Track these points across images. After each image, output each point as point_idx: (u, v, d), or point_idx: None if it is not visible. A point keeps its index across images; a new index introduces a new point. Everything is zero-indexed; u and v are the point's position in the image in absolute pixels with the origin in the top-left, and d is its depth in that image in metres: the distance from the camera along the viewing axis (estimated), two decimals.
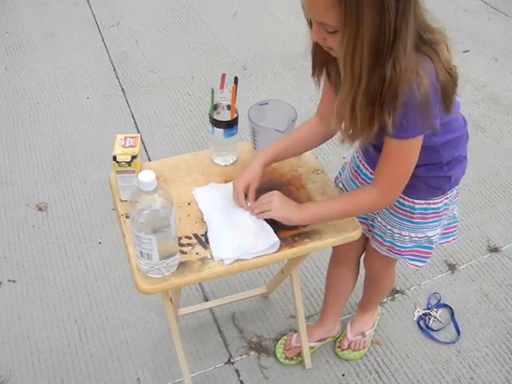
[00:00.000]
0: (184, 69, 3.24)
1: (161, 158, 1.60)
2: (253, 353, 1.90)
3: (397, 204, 1.37)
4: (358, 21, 0.96)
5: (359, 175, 1.46)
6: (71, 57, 3.31)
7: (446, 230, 1.49)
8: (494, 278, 2.16)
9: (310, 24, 1.10)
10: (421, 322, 1.99)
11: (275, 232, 1.27)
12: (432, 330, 1.98)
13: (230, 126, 1.43)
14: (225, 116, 1.42)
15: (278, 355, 1.87)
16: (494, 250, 2.26)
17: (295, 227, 1.30)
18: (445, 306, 2.05)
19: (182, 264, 1.22)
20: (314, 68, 1.25)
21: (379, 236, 1.48)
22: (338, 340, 1.91)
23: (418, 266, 1.51)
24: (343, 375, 1.84)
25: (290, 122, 1.48)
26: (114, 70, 3.22)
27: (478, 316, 2.03)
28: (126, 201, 1.34)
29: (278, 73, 3.22)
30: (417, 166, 1.21)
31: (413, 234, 1.42)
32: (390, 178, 1.22)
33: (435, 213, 1.38)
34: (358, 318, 1.90)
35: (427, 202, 1.35)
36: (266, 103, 1.52)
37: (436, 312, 2.03)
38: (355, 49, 1.00)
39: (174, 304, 1.53)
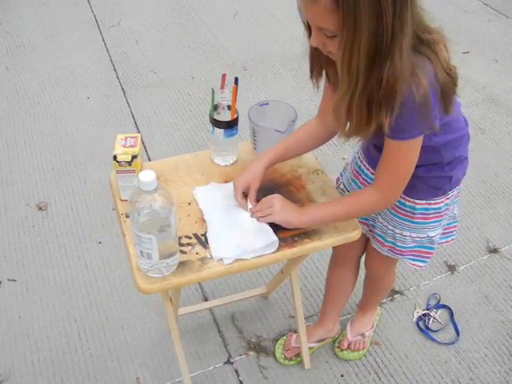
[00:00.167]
0: (184, 69, 3.24)
1: (161, 158, 1.60)
2: (252, 353, 1.90)
3: (398, 204, 1.37)
4: (355, 25, 0.97)
5: (360, 175, 1.46)
6: (72, 57, 3.31)
7: (445, 229, 1.49)
8: (494, 278, 2.16)
9: (308, 27, 1.10)
10: (420, 323, 2.00)
11: (275, 232, 1.27)
12: (431, 330, 1.98)
13: (230, 126, 1.43)
14: (225, 116, 1.42)
15: (278, 355, 1.87)
16: (494, 250, 2.26)
17: (295, 228, 1.30)
18: (444, 306, 2.06)
19: (181, 264, 1.22)
20: (312, 71, 1.25)
21: (380, 236, 1.48)
22: (338, 340, 1.91)
23: (419, 266, 1.51)
24: (342, 376, 1.85)
25: (290, 122, 1.48)
26: (115, 70, 3.22)
27: (477, 317, 2.03)
28: (126, 200, 1.34)
29: (278, 73, 3.22)
30: (418, 167, 1.21)
31: (414, 234, 1.42)
32: (390, 179, 1.22)
33: (436, 213, 1.38)
34: (358, 319, 1.90)
35: (428, 202, 1.36)
36: (266, 103, 1.52)
37: (435, 313, 2.03)
38: (353, 52, 1.01)
39: (173, 304, 1.53)
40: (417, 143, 1.14)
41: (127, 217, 1.30)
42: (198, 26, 3.62)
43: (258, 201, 1.34)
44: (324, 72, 1.24)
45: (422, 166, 1.25)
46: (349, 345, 1.88)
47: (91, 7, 3.78)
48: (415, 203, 1.36)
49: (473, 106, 3.02)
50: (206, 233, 1.28)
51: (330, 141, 1.44)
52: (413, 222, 1.39)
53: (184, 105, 2.98)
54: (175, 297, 1.66)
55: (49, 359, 1.87)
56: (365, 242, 1.62)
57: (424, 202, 1.36)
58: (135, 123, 2.84)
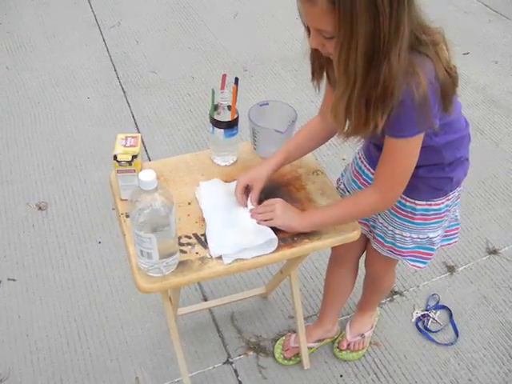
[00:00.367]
0: (184, 69, 3.24)
1: (161, 158, 1.60)
2: (251, 353, 1.90)
3: (398, 205, 1.38)
4: (352, 26, 0.97)
5: (361, 176, 1.46)
6: (72, 57, 3.31)
7: (447, 231, 1.49)
8: (493, 279, 2.16)
9: (308, 28, 1.11)
10: (419, 324, 2.00)
11: (275, 232, 1.28)
12: (430, 331, 1.98)
13: (231, 126, 1.43)
14: (225, 116, 1.42)
15: (277, 355, 1.87)
16: (493, 252, 2.26)
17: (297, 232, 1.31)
18: (443, 307, 2.06)
19: (181, 263, 1.22)
20: (313, 73, 1.26)
21: (380, 237, 1.49)
22: (337, 341, 1.91)
23: (419, 267, 1.51)
24: (341, 376, 1.85)
25: (290, 122, 1.49)
26: (115, 70, 3.23)
27: (476, 318, 2.03)
28: (126, 200, 1.34)
29: (278, 74, 3.23)
30: (418, 167, 1.21)
31: (414, 235, 1.42)
32: (389, 178, 1.22)
33: (436, 214, 1.38)
34: (357, 319, 1.90)
35: (428, 202, 1.36)
36: (266, 104, 1.53)
37: (434, 313, 2.04)
38: (349, 53, 1.01)
39: (173, 304, 1.53)
40: (416, 142, 1.15)
41: (127, 216, 1.30)
42: (198, 27, 3.62)
43: (258, 202, 1.34)
44: (325, 73, 1.25)
45: (422, 166, 1.25)
46: (348, 345, 1.88)
47: (91, 7, 3.78)
48: (416, 204, 1.36)
49: (472, 106, 3.03)
50: (205, 232, 1.29)
51: (330, 141, 1.44)
52: (413, 223, 1.39)
53: (184, 105, 2.98)
54: (175, 296, 1.66)
55: (48, 359, 1.87)
56: (364, 243, 1.62)
57: (424, 202, 1.36)
58: (135, 123, 2.85)
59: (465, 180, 1.40)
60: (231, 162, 1.50)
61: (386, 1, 0.94)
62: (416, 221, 1.39)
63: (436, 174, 1.31)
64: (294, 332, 1.89)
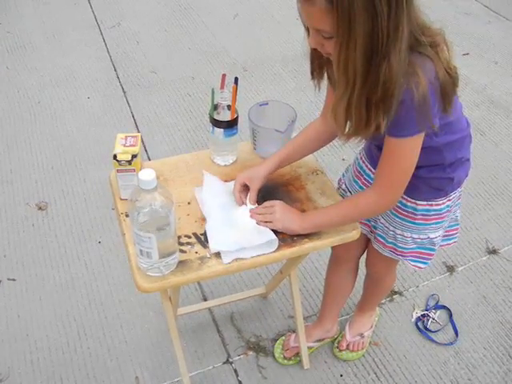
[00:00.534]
0: (184, 70, 3.24)
1: (161, 158, 1.60)
2: (251, 353, 1.90)
3: (399, 205, 1.37)
4: (350, 26, 0.97)
5: (362, 176, 1.46)
6: (72, 57, 3.32)
7: (447, 232, 1.49)
8: (492, 279, 2.16)
9: (307, 28, 1.11)
10: (419, 324, 2.00)
11: (275, 232, 1.28)
12: (430, 331, 1.98)
13: (230, 125, 1.43)
14: (225, 116, 1.42)
15: (277, 355, 1.87)
16: (493, 252, 2.26)
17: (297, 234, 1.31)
18: (443, 307, 2.06)
19: (181, 263, 1.22)
20: (312, 72, 1.26)
21: (381, 237, 1.48)
22: (337, 340, 1.91)
23: (419, 267, 1.51)
24: (341, 376, 1.85)
25: (290, 122, 1.49)
26: (115, 70, 3.23)
27: (476, 318, 2.03)
28: (126, 199, 1.34)
29: (278, 74, 3.23)
30: (419, 167, 1.21)
31: (415, 236, 1.42)
32: (389, 179, 1.22)
33: (437, 214, 1.38)
34: (357, 319, 1.90)
35: (429, 203, 1.36)
36: (266, 104, 1.53)
37: (434, 313, 2.04)
38: (348, 53, 1.01)
39: (172, 303, 1.53)
40: (416, 142, 1.14)
41: (127, 216, 1.30)
42: (198, 27, 3.62)
43: (258, 202, 1.35)
44: (325, 73, 1.25)
45: (423, 166, 1.25)
46: (348, 345, 1.88)
47: (92, 7, 3.78)
48: (416, 204, 1.36)
49: (472, 107, 3.03)
50: (205, 232, 1.29)
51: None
52: (414, 223, 1.39)
53: (184, 105, 2.98)
54: (174, 296, 1.66)
55: (48, 358, 1.87)
56: (365, 243, 1.62)
57: (425, 203, 1.36)
58: (135, 123, 2.85)
59: (465, 180, 1.40)
60: (231, 161, 1.50)
61: (384, 1, 0.95)
62: (417, 221, 1.39)
63: (437, 175, 1.31)
64: (294, 332, 1.89)
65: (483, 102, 3.09)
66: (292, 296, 1.70)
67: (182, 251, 1.24)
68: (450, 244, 1.54)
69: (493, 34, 3.66)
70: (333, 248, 1.69)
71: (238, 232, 1.27)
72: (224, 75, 1.42)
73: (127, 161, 1.29)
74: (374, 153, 1.37)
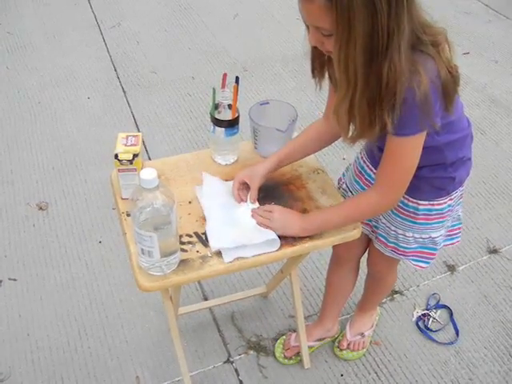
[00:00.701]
0: (185, 70, 3.25)
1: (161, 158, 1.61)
2: (252, 352, 1.90)
3: (401, 205, 1.37)
4: (349, 24, 0.97)
5: (363, 176, 1.46)
6: (72, 57, 3.32)
7: (449, 231, 1.49)
8: (493, 279, 2.16)
9: (308, 27, 1.11)
10: (420, 323, 2.00)
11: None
12: (431, 330, 1.98)
13: (231, 125, 1.43)
14: (226, 115, 1.42)
15: (277, 355, 1.87)
16: (494, 251, 2.26)
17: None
18: (444, 306, 2.06)
19: (182, 262, 1.22)
20: (313, 71, 1.26)
21: (383, 237, 1.48)
22: (337, 340, 1.91)
23: (421, 266, 1.51)
24: (342, 375, 1.85)
25: (291, 121, 1.49)
26: (115, 70, 3.23)
27: (476, 317, 2.03)
28: (127, 199, 1.34)
29: (278, 74, 3.23)
30: (421, 167, 1.21)
31: (417, 235, 1.42)
32: (390, 178, 1.22)
33: (439, 214, 1.38)
34: (357, 319, 1.90)
35: (431, 202, 1.35)
36: (267, 103, 1.53)
37: (435, 313, 2.04)
38: (348, 52, 1.01)
39: (173, 303, 1.53)
40: (417, 141, 1.14)
41: (128, 215, 1.30)
42: (198, 27, 3.62)
43: (259, 202, 1.35)
44: (327, 72, 1.25)
45: (425, 166, 1.25)
46: (348, 345, 1.88)
47: (92, 8, 3.79)
48: (418, 204, 1.36)
49: (473, 106, 3.03)
50: (206, 230, 1.29)
51: None
52: (415, 223, 1.39)
53: (184, 105, 2.98)
54: (175, 296, 1.66)
55: (49, 358, 1.87)
56: (366, 243, 1.62)
57: (427, 202, 1.35)
58: (136, 123, 2.85)
59: (466, 179, 1.40)
60: (232, 161, 1.50)
61: None
62: (419, 221, 1.38)
63: (438, 174, 1.31)
64: (295, 331, 1.89)
65: (483, 101, 3.09)
66: (293, 295, 1.70)
67: (183, 250, 1.24)
68: (453, 243, 1.54)
69: (493, 33, 3.67)
70: (334, 248, 1.69)
71: (239, 231, 1.27)
72: (225, 74, 1.42)
73: (128, 160, 1.30)
74: (376, 154, 1.36)
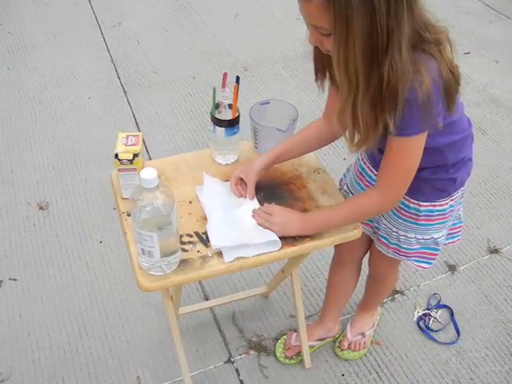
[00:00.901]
0: (185, 69, 3.24)
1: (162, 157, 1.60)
2: (253, 352, 1.90)
3: (402, 206, 1.37)
4: (347, 23, 0.97)
5: (364, 177, 1.45)
6: (73, 57, 3.32)
7: (450, 230, 1.49)
8: (494, 279, 2.16)
9: (309, 27, 1.11)
10: (420, 323, 2.00)
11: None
12: (432, 330, 1.98)
13: (232, 124, 1.43)
14: (226, 115, 1.42)
15: (278, 354, 1.87)
16: (494, 251, 2.26)
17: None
18: (444, 306, 2.06)
19: (183, 262, 1.22)
20: (316, 73, 1.25)
21: (384, 238, 1.48)
22: (338, 340, 1.91)
23: (424, 267, 1.50)
24: (343, 375, 1.85)
25: (292, 121, 1.49)
26: (116, 70, 3.23)
27: (477, 317, 2.03)
28: (127, 199, 1.34)
29: (278, 74, 3.23)
30: (422, 169, 1.21)
31: (419, 236, 1.42)
32: (392, 178, 1.21)
33: (441, 215, 1.37)
34: (358, 319, 1.90)
35: (433, 203, 1.35)
36: (268, 102, 1.53)
37: (436, 313, 2.03)
38: (348, 51, 1.00)
39: (174, 303, 1.53)
40: (419, 142, 1.14)
41: (128, 215, 1.30)
42: (199, 27, 3.62)
43: (260, 202, 1.35)
44: (328, 74, 1.24)
45: (426, 168, 1.25)
46: (349, 345, 1.88)
47: (92, 8, 3.79)
48: (420, 205, 1.35)
49: (473, 106, 3.03)
50: (206, 230, 1.29)
51: None
52: (417, 224, 1.39)
53: (185, 105, 2.98)
54: (176, 296, 1.66)
55: (49, 358, 1.87)
56: (368, 243, 1.62)
57: (428, 203, 1.35)
58: (136, 123, 2.85)
59: (467, 180, 1.40)
60: (232, 160, 1.50)
61: None
62: (420, 222, 1.38)
63: (440, 176, 1.31)
64: (295, 331, 1.89)
65: (484, 101, 3.08)
66: (293, 295, 1.69)
67: (183, 250, 1.24)
68: (454, 242, 1.54)
69: (494, 33, 3.66)
70: (336, 248, 1.69)
71: (240, 230, 1.27)
72: (225, 74, 1.42)
73: (129, 160, 1.29)
74: (377, 156, 1.36)
